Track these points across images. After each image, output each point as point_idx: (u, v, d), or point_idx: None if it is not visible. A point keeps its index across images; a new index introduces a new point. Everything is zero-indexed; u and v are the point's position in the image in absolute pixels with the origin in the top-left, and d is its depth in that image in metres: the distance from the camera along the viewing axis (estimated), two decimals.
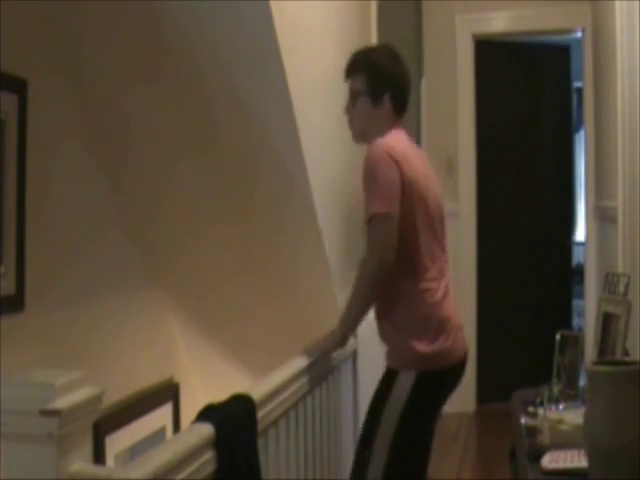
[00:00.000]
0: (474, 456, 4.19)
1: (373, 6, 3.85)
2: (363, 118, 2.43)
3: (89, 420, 1.31)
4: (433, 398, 2.36)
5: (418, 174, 2.31)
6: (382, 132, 2.36)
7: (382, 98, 2.39)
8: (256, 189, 2.93)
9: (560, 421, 2.13)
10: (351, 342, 2.93)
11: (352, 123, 2.47)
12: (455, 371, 2.36)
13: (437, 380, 2.31)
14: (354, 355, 3.00)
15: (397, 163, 2.24)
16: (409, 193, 2.26)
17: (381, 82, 2.40)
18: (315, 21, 2.96)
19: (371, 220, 2.23)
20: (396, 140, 2.35)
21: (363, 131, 2.45)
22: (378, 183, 2.22)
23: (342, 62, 2.48)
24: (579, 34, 4.80)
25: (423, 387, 2.26)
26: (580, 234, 6.23)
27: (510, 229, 5.22)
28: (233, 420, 1.71)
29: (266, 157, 2.82)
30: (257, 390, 1.94)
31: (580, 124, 5.48)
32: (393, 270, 2.24)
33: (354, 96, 2.43)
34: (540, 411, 2.30)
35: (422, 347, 2.24)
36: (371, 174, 2.25)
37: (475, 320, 4.92)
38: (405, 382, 2.25)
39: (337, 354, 2.70)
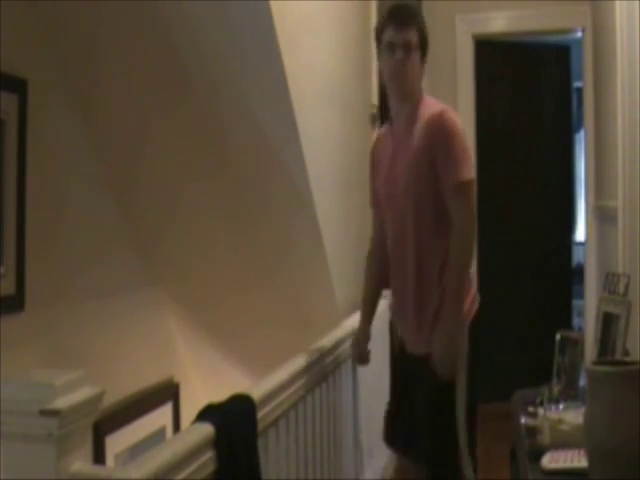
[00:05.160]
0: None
1: (373, 6, 3.86)
2: (416, 73, 2.34)
3: (89, 420, 1.31)
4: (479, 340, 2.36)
5: None
6: (421, 93, 2.36)
7: (426, 58, 2.38)
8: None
9: (560, 421, 2.13)
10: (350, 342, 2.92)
11: (405, 76, 2.32)
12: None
13: (477, 323, 2.34)
14: None
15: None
16: None
17: (426, 41, 2.37)
18: (315, 21, 2.96)
19: (462, 186, 2.23)
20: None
21: (413, 87, 2.35)
22: (463, 151, 2.25)
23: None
24: (579, 34, 4.79)
25: (474, 333, 2.29)
26: (580, 234, 6.22)
27: (510, 229, 5.21)
28: (233, 420, 1.70)
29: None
30: (257, 390, 1.94)
31: (580, 124, 5.47)
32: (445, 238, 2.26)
33: (409, 48, 2.30)
34: (540, 411, 2.30)
35: (471, 305, 2.30)
36: (454, 141, 2.24)
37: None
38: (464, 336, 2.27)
39: (337, 354, 2.70)
